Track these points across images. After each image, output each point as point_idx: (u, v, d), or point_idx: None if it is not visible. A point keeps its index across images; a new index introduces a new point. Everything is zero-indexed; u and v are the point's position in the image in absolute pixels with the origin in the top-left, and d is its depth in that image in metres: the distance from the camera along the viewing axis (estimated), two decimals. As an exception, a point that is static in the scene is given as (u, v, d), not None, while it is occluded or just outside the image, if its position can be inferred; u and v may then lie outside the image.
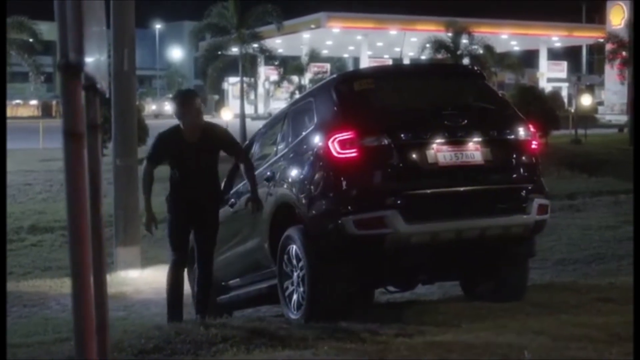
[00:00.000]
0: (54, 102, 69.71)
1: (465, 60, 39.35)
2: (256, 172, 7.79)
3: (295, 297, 6.68)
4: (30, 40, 30.48)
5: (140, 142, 18.02)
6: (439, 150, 6.29)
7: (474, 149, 6.40)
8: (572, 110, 44.76)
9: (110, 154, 14.40)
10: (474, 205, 6.40)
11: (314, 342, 5.35)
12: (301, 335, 5.60)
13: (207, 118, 8.01)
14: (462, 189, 6.41)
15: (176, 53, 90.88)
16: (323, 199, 6.31)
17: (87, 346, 2.03)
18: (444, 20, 43.70)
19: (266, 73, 55.39)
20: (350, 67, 65.59)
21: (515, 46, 64.69)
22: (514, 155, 6.63)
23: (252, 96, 57.19)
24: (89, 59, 2.08)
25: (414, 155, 6.25)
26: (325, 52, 61.55)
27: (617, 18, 53.73)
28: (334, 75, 7.68)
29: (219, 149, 7.22)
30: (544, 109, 29.53)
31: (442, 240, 6.28)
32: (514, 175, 6.62)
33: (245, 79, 39.79)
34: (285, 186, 6.95)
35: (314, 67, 52.64)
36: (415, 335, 5.45)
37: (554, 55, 72.13)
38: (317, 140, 6.55)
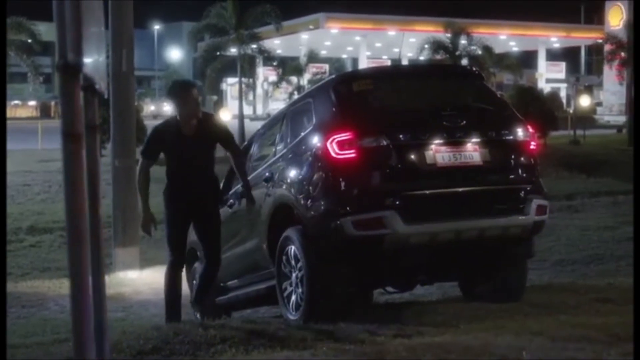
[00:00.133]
0: (52, 103, 69.71)
1: (464, 61, 39.37)
2: (255, 173, 7.80)
3: (293, 298, 6.68)
4: (29, 40, 30.51)
5: (139, 142, 17.97)
6: (437, 150, 6.29)
7: (472, 150, 6.40)
8: (571, 111, 44.78)
9: (109, 154, 14.39)
10: (472, 206, 6.40)
11: (312, 342, 5.35)
12: (300, 336, 5.60)
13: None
14: (460, 189, 6.41)
15: (175, 54, 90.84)
16: (322, 200, 6.31)
17: (86, 347, 2.03)
18: (442, 21, 43.72)
19: (265, 74, 55.42)
20: (349, 68, 65.61)
21: (514, 47, 64.71)
22: (513, 156, 6.63)
23: (250, 97, 57.30)
24: (87, 60, 2.08)
25: (412, 156, 6.25)
26: (323, 53, 61.57)
27: (616, 19, 53.78)
28: (333, 76, 7.68)
29: (216, 140, 7.15)
30: (543, 110, 29.58)
31: (441, 240, 6.27)
32: (513, 176, 6.62)
33: (243, 79, 39.83)
34: (284, 187, 6.94)
35: (312, 68, 52.68)
36: (414, 336, 5.45)
37: (552, 56, 72.17)
38: (315, 140, 6.54)
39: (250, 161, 8.31)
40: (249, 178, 7.77)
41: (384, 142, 6.21)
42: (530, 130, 6.82)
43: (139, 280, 12.56)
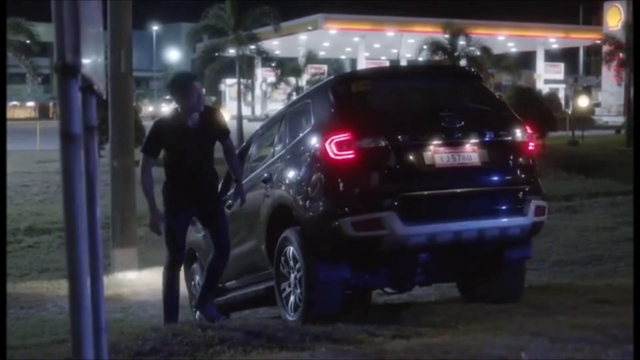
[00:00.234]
0: (51, 104, 69.66)
1: (463, 62, 39.38)
2: (254, 174, 7.80)
3: (292, 298, 6.68)
4: (28, 41, 30.49)
5: (137, 143, 17.99)
6: (436, 151, 6.29)
7: (471, 151, 6.40)
8: (569, 112, 44.85)
9: (108, 155, 14.39)
10: (471, 207, 6.40)
11: (311, 343, 5.35)
12: (298, 337, 5.59)
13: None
14: (459, 190, 6.41)
15: (173, 54, 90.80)
16: (320, 201, 6.31)
17: (84, 348, 2.02)
18: (441, 21, 43.73)
19: (263, 74, 55.38)
20: (348, 69, 65.61)
21: (513, 48, 64.73)
22: (511, 157, 6.63)
23: (249, 98, 57.29)
24: (86, 61, 2.08)
25: (411, 157, 6.25)
26: (322, 54, 61.54)
27: (614, 19, 53.88)
28: (331, 77, 7.68)
29: (217, 133, 7.02)
30: (541, 111, 29.61)
31: (439, 241, 6.27)
32: (511, 177, 6.62)
33: (242, 80, 39.84)
34: (282, 188, 6.94)
35: (311, 69, 52.61)
36: (413, 336, 5.45)
37: (551, 56, 72.19)
38: (314, 141, 6.54)
39: (249, 162, 8.31)
40: (248, 179, 7.78)
41: (383, 143, 6.21)
42: (529, 131, 6.82)
43: (137, 281, 12.56)
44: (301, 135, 6.90)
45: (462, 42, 40.51)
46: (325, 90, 6.87)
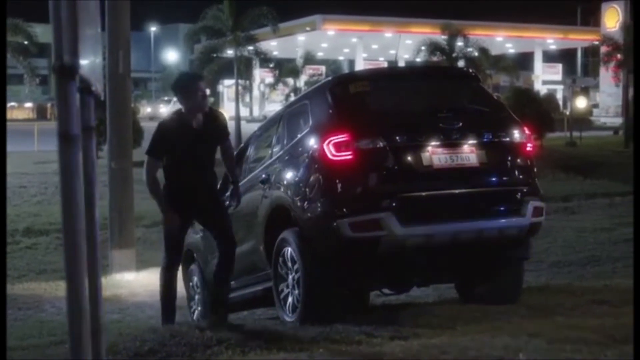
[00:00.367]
0: (49, 105, 69.63)
1: (461, 63, 39.40)
2: (251, 175, 7.80)
3: (290, 299, 6.68)
4: (26, 42, 30.46)
5: (136, 144, 18.01)
6: (434, 152, 6.29)
7: (469, 152, 6.40)
8: (567, 113, 44.87)
9: (105, 156, 14.39)
10: (469, 208, 6.40)
11: (309, 344, 5.35)
12: (296, 337, 5.59)
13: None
14: (457, 191, 6.41)
15: (171, 55, 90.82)
16: (318, 202, 6.30)
17: (82, 349, 2.02)
18: (439, 22, 43.75)
19: (261, 75, 55.40)
20: (346, 70, 65.61)
21: (510, 49, 64.77)
22: (509, 158, 6.64)
23: (247, 98, 57.23)
24: (83, 62, 2.08)
25: (409, 158, 6.26)
26: (320, 55, 61.51)
27: (612, 21, 53.92)
28: (329, 78, 7.68)
29: (219, 135, 6.98)
30: (539, 112, 29.66)
31: (437, 242, 6.27)
32: (509, 178, 6.62)
33: (240, 81, 39.77)
34: (280, 189, 6.94)
35: (309, 70, 52.56)
36: (411, 337, 5.45)
37: (549, 57, 72.24)
38: (312, 142, 6.54)
39: (247, 163, 8.31)
40: (246, 180, 7.77)
41: (381, 144, 6.21)
42: (527, 131, 6.82)
43: (135, 282, 12.55)
44: (299, 136, 6.90)
45: (460, 43, 40.51)
46: (324, 91, 6.87)
